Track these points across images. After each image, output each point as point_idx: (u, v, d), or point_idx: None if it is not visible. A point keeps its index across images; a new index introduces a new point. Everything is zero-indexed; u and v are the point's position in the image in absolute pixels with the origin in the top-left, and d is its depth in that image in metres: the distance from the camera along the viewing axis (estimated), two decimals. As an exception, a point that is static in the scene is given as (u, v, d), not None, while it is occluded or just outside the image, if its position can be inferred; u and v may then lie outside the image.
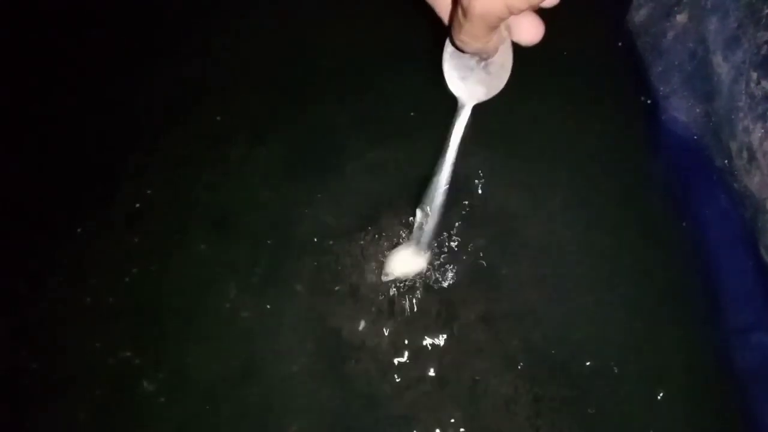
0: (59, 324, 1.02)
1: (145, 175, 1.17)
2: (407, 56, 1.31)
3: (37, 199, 1.15)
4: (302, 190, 1.15)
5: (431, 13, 0.60)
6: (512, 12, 0.50)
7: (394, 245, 1.06)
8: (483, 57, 0.62)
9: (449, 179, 0.76)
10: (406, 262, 0.98)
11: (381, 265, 1.03)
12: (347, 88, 1.29)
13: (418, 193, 1.12)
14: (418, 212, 0.84)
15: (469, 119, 0.68)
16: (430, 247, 0.94)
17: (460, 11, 0.51)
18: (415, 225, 0.87)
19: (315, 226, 1.10)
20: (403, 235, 1.07)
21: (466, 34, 0.54)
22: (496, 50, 0.59)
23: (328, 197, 1.14)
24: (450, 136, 0.70)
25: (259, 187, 1.16)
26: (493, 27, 0.52)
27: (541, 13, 0.55)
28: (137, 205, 1.13)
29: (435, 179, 0.77)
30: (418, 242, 0.91)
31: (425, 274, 1.03)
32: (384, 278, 1.00)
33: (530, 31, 0.55)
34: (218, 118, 1.25)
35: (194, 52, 1.35)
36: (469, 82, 0.64)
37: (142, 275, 1.06)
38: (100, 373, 0.97)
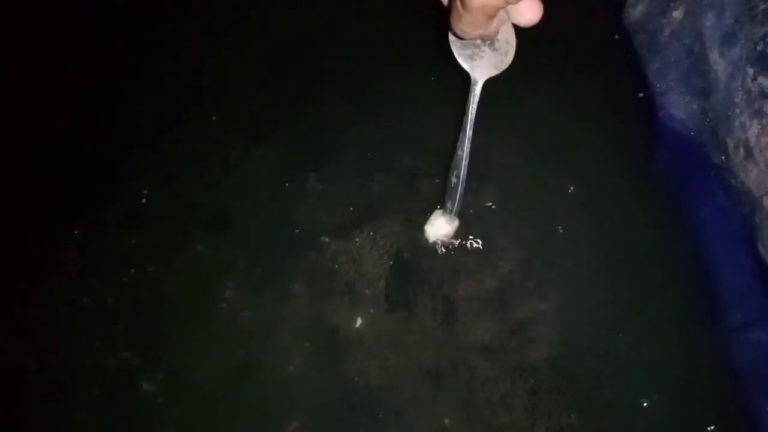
0: (58, 324, 1.02)
1: (143, 175, 1.17)
2: (405, 55, 1.31)
3: (36, 200, 1.15)
4: (300, 190, 1.15)
5: (430, 6, 0.60)
6: (509, 2, 0.50)
7: (393, 244, 1.07)
8: (484, 41, 0.64)
9: (469, 150, 0.83)
10: (440, 227, 1.04)
11: (379, 264, 1.04)
12: (345, 87, 1.29)
13: (417, 192, 1.13)
14: (448, 183, 0.93)
15: (481, 94, 0.72)
16: (458, 213, 1.01)
17: (458, 2, 0.52)
18: (446, 194, 0.96)
19: (313, 226, 1.10)
20: (401, 232, 1.08)
21: (465, 24, 0.55)
22: (496, 34, 0.61)
23: (326, 197, 1.14)
24: (467, 112, 0.76)
25: (258, 187, 1.16)
26: (492, 16, 0.53)
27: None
28: (136, 206, 1.13)
29: (458, 153, 0.84)
30: (450, 210, 0.99)
31: (424, 270, 1.04)
32: (430, 239, 1.06)
33: (528, 12, 0.56)
34: (214, 118, 1.25)
35: (192, 52, 1.36)
36: (479, 59, 0.67)
37: (140, 275, 1.06)
38: (99, 373, 0.98)
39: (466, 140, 0.81)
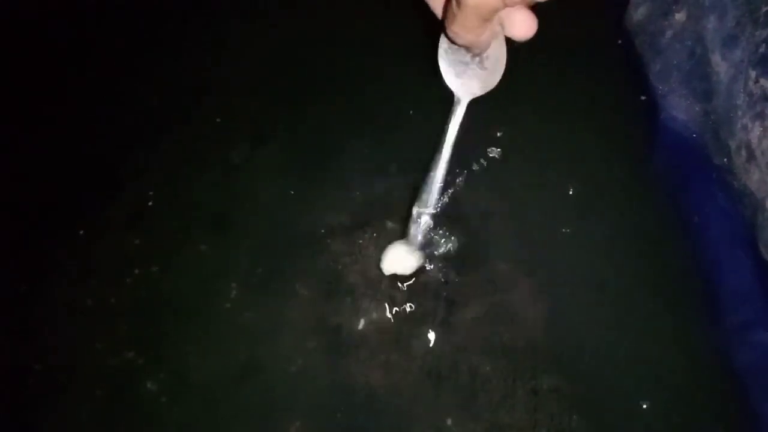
0: (60, 324, 1.02)
1: (146, 176, 1.17)
2: (406, 56, 1.31)
3: (39, 201, 1.15)
4: (302, 191, 1.15)
5: (427, 11, 0.60)
6: (506, 4, 0.50)
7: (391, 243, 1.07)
8: (475, 53, 0.61)
9: (445, 176, 0.75)
10: (400, 259, 0.98)
11: (380, 263, 1.04)
12: (347, 88, 1.29)
13: (417, 193, 1.13)
14: (414, 209, 0.85)
15: (465, 115, 0.68)
16: (425, 243, 0.95)
17: (454, 2, 0.51)
18: (411, 221, 0.87)
19: (315, 226, 1.10)
20: (402, 233, 1.07)
21: (458, 26, 0.53)
22: (488, 45, 0.58)
23: (327, 197, 1.14)
24: (446, 132, 0.70)
25: (260, 188, 1.16)
26: (486, 19, 0.52)
27: (540, 11, 0.55)
28: (138, 206, 1.13)
29: (430, 175, 0.77)
30: (413, 239, 0.91)
31: (424, 271, 1.04)
32: (385, 272, 1.00)
33: (523, 26, 0.55)
34: (218, 119, 1.25)
35: (192, 52, 1.36)
36: (465, 77, 0.64)
37: (143, 276, 1.06)
38: (102, 373, 0.98)
39: (442, 165, 0.74)
